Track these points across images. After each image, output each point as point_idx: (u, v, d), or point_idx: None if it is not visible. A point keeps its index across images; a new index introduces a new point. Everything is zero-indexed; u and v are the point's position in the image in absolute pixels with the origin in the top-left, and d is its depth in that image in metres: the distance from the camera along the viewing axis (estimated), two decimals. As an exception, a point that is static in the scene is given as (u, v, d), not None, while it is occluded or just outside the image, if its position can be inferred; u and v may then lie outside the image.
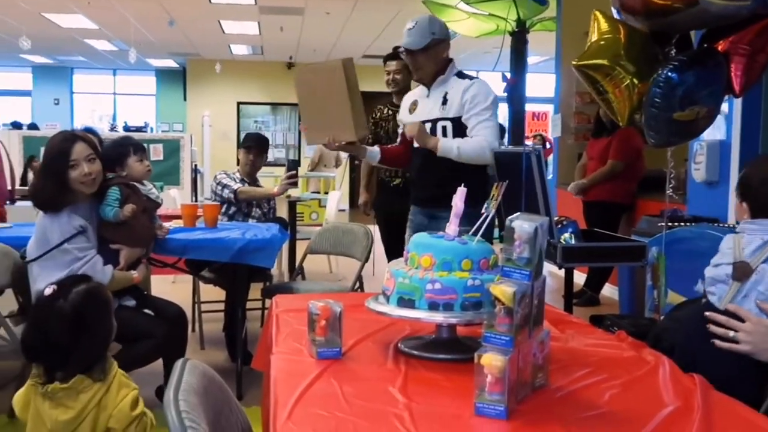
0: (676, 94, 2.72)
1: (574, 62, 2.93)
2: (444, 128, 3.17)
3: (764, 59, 2.73)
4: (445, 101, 3.18)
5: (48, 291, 2.07)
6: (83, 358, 2.01)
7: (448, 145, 3.11)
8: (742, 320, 1.79)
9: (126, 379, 2.09)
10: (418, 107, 3.32)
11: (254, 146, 4.50)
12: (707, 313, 1.88)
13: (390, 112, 4.04)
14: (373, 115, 4.54)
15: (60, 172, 2.80)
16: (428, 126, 3.20)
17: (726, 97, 2.99)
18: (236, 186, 4.29)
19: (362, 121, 3.17)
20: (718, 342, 1.80)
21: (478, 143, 3.09)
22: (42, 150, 8.79)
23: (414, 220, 3.44)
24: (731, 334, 1.79)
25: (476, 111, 3.11)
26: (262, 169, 4.60)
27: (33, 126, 12.14)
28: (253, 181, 4.53)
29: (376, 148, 3.36)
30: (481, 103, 3.11)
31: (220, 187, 4.34)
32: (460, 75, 3.24)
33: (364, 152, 3.30)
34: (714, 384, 1.53)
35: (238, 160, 4.72)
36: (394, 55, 4.29)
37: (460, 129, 3.15)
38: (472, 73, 3.34)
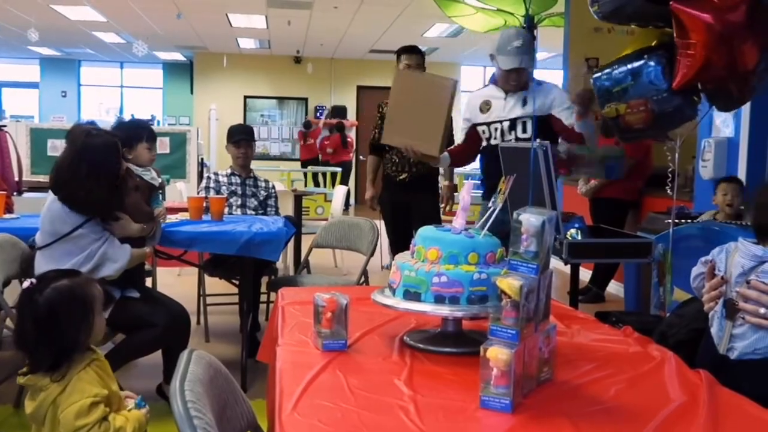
0: (594, 92, 3.04)
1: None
2: (524, 123, 3.47)
3: (697, 51, 2.61)
4: (524, 102, 3.50)
5: (26, 284, 1.98)
6: (50, 355, 1.93)
7: None
8: None
9: (86, 384, 1.93)
10: (492, 107, 3.56)
11: (243, 138, 4.32)
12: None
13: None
14: (380, 109, 4.57)
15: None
16: (507, 123, 3.52)
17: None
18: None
19: (446, 139, 3.37)
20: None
21: None
22: (50, 142, 8.83)
23: None
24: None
25: (564, 107, 3.47)
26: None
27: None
28: (248, 174, 4.39)
29: (446, 154, 3.57)
30: (566, 102, 3.49)
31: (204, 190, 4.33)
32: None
33: (438, 161, 3.56)
34: None
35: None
36: (411, 48, 4.42)
37: (541, 124, 3.40)
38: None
